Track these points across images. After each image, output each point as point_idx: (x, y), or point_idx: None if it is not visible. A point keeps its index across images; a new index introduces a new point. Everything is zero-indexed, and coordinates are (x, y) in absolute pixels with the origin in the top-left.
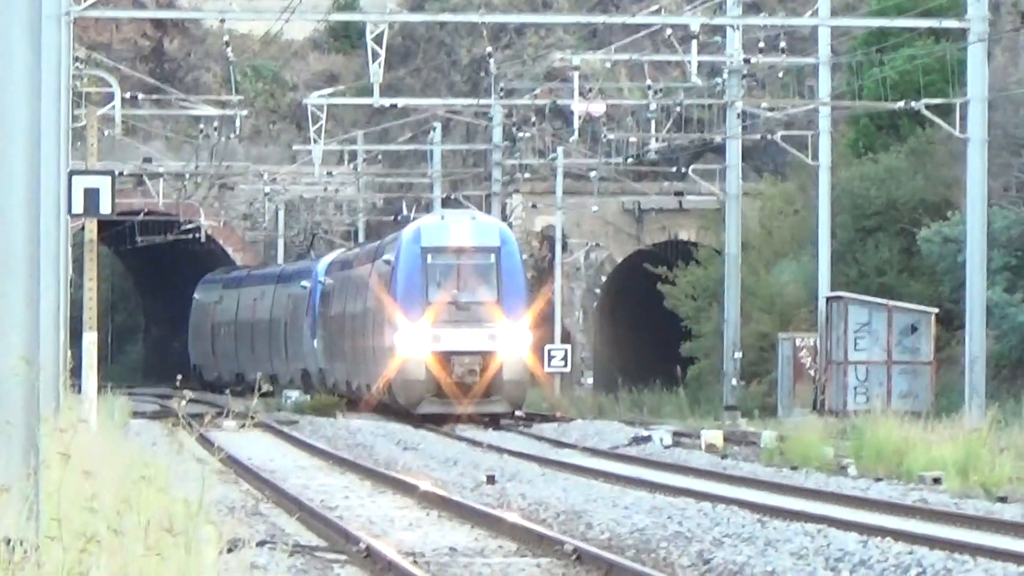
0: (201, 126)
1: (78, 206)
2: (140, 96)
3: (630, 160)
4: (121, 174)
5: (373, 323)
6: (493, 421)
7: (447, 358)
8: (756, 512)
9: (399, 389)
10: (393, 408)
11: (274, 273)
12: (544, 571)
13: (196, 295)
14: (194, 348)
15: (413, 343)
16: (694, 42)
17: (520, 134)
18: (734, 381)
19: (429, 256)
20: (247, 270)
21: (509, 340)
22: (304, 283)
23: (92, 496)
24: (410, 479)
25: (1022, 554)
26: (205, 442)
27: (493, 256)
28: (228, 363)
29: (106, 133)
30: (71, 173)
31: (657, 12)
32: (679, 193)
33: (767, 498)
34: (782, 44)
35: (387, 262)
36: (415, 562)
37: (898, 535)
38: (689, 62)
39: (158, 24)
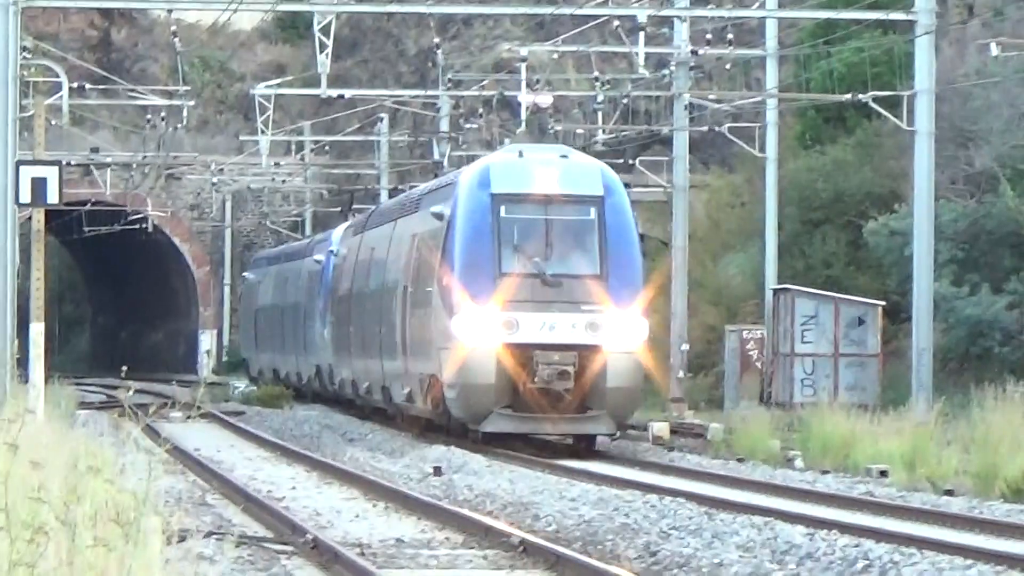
0: (148, 116)
1: (25, 196)
2: (87, 86)
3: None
4: (68, 164)
5: (410, 304)
6: (586, 444)
7: (528, 354)
8: (703, 504)
9: (457, 397)
10: (437, 425)
11: (303, 246)
12: (491, 563)
13: (246, 274)
14: (242, 338)
15: (478, 332)
16: (641, 34)
17: (467, 125)
18: (681, 373)
19: (502, 208)
20: (290, 243)
21: (616, 331)
22: (319, 257)
23: (39, 486)
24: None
25: (968, 547)
26: (152, 433)
27: (594, 210)
28: (267, 356)
29: (53, 123)
30: (18, 163)
31: (604, 3)
32: (626, 185)
33: (714, 490)
34: (730, 36)
35: (437, 216)
36: (362, 553)
37: (845, 528)
38: (636, 54)
39: (105, 14)
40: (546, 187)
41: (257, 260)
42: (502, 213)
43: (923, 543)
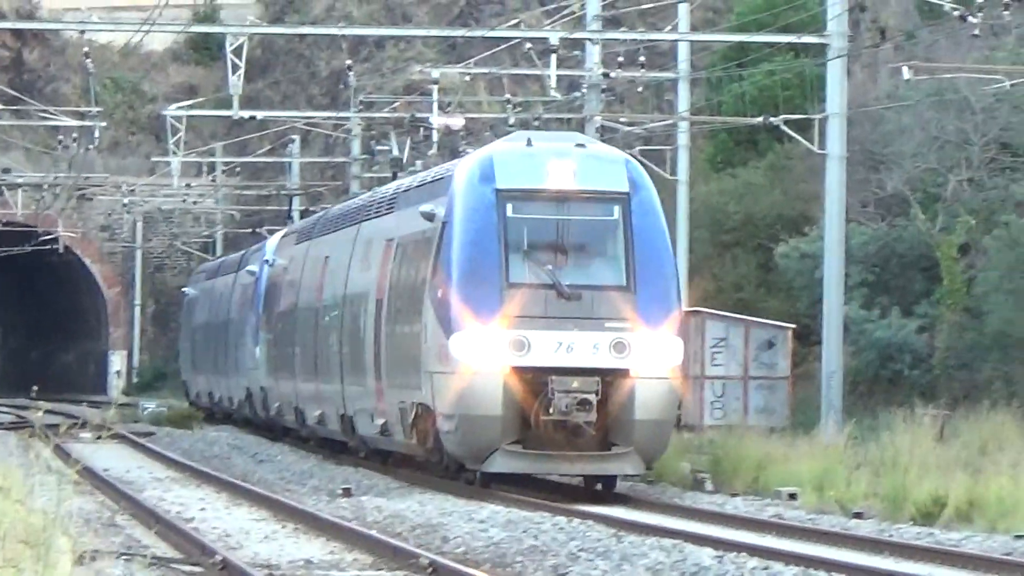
0: (60, 137)
1: None
2: None
3: None
4: None
5: (388, 320)
6: (604, 486)
7: (541, 380)
8: (612, 526)
9: (454, 431)
10: (423, 463)
11: (237, 258)
12: None
13: (185, 289)
14: (181, 358)
15: (481, 353)
16: (553, 56)
17: (378, 147)
18: None
19: (509, 206)
20: (229, 255)
21: (647, 353)
22: (252, 268)
23: None
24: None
25: (876, 570)
26: (62, 454)
27: (618, 209)
28: (203, 378)
29: None
30: None
31: (516, 26)
32: None
33: (623, 513)
34: (642, 59)
35: (427, 216)
36: (271, 574)
37: (753, 550)
38: (548, 76)
39: (18, 34)
40: (561, 182)
41: (196, 275)
42: (509, 212)
43: (832, 566)
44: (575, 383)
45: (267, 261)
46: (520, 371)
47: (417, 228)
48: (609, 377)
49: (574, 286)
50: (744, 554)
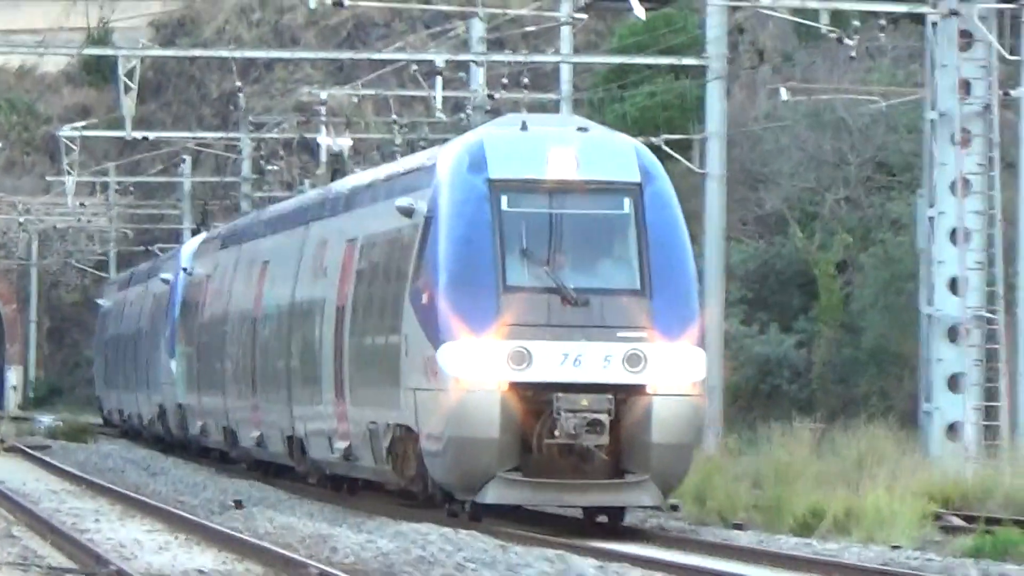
0: None
1: None
2: None
3: None
4: None
5: (353, 330)
6: (611, 518)
7: (544, 398)
8: (498, 538)
9: (442, 456)
10: (397, 492)
11: (150, 266)
12: None
13: (100, 301)
14: (95, 374)
15: (475, 368)
16: (439, 78)
17: (268, 167)
18: None
19: (504, 198)
20: (143, 264)
21: (666, 366)
22: (165, 275)
23: None
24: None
25: None
26: None
27: (629, 202)
28: (115, 394)
29: None
30: None
31: (402, 48)
32: None
33: (508, 525)
34: (525, 80)
35: (405, 211)
36: None
37: (636, 560)
38: (434, 97)
39: None
40: (563, 171)
41: (110, 285)
42: (504, 206)
43: None
44: (584, 401)
45: (184, 269)
46: (520, 388)
47: (390, 226)
48: (622, 394)
49: (581, 290)
50: (627, 564)
